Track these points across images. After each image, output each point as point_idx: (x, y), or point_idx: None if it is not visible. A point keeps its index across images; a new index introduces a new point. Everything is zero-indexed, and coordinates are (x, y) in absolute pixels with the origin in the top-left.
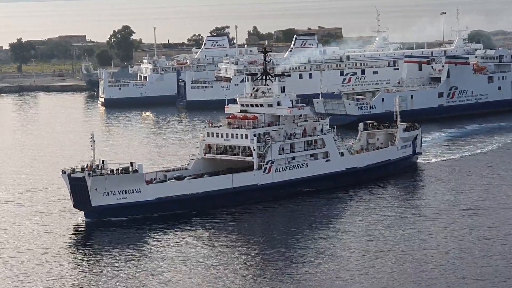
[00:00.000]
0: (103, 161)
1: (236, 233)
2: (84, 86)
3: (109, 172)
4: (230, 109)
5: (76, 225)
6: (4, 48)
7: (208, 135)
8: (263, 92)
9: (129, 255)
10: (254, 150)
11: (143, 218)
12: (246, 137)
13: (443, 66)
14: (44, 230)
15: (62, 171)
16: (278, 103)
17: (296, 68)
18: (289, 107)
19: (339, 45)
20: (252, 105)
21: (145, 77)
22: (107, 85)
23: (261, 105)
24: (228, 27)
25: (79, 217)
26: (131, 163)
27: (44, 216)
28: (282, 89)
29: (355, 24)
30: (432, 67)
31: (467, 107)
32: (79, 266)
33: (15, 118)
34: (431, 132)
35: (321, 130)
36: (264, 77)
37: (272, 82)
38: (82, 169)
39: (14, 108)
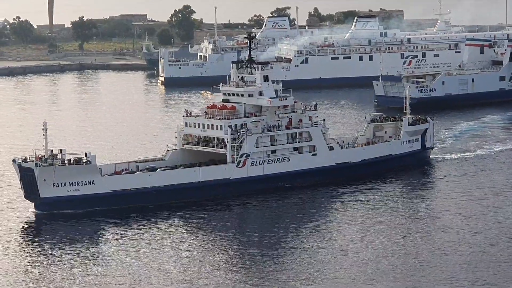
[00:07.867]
0: (61, 150)
1: (199, 229)
2: (145, 65)
3: (59, 163)
4: (214, 97)
5: (27, 217)
6: (66, 26)
7: (186, 125)
8: (244, 82)
9: (79, 251)
10: (228, 142)
11: (98, 212)
12: (221, 128)
13: (505, 50)
14: None
15: (13, 160)
16: (260, 93)
17: (356, 50)
18: (270, 97)
19: (400, 27)
20: (233, 94)
21: (205, 56)
22: (167, 64)
23: (242, 95)
24: (289, 7)
25: (30, 208)
26: (86, 154)
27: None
28: (265, 78)
29: (417, 6)
30: (494, 50)
31: None
32: (24, 261)
33: (75, 95)
34: (479, 118)
35: (309, 122)
36: (248, 65)
37: (255, 70)
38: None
39: (74, 86)
